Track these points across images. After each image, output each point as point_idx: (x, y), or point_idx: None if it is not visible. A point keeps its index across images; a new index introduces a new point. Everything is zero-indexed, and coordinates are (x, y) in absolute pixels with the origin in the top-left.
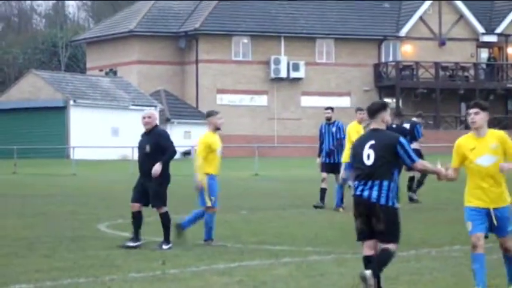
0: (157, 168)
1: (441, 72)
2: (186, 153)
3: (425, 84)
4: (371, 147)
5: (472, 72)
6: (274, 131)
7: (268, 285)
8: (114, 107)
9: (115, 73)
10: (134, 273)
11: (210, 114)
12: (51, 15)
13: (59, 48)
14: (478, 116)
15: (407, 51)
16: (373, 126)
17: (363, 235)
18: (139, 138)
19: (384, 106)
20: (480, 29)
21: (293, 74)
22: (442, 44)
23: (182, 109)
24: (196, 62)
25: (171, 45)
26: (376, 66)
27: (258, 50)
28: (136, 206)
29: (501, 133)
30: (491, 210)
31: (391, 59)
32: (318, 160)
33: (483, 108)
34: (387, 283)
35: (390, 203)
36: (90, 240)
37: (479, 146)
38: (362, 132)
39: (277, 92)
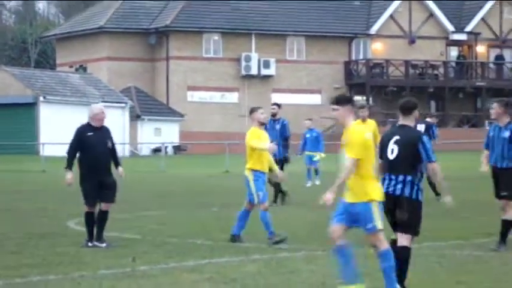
0: (122, 168)
1: (411, 70)
2: (157, 150)
3: (395, 82)
4: (396, 142)
5: (441, 70)
6: (244, 128)
7: (238, 282)
8: (84, 104)
9: (85, 69)
10: (104, 269)
11: (252, 110)
12: (21, 11)
13: (28, 44)
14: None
15: (378, 49)
16: (402, 122)
17: (393, 228)
18: (87, 133)
19: (417, 105)
20: (450, 27)
21: (264, 71)
22: (412, 42)
23: (152, 106)
24: (167, 58)
25: (141, 41)
26: (347, 64)
27: (228, 47)
28: (95, 207)
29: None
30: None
31: (361, 56)
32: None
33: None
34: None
35: (414, 196)
36: (60, 237)
37: None
38: (367, 129)
39: (248, 89)
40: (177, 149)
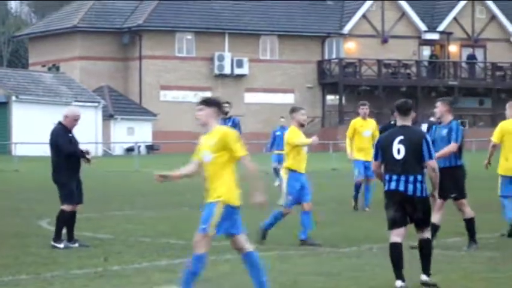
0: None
1: (384, 70)
2: (130, 150)
3: (368, 82)
4: (400, 142)
5: (414, 69)
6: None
7: (211, 281)
8: (57, 103)
9: (58, 69)
10: (76, 269)
11: (293, 110)
12: None
13: (0, 43)
14: None
15: (351, 48)
16: (401, 122)
17: (396, 224)
18: (68, 135)
19: (412, 106)
20: (422, 26)
21: (237, 71)
22: (385, 41)
23: (125, 105)
24: (140, 58)
25: (114, 41)
26: (320, 63)
27: (201, 47)
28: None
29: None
30: None
31: (334, 56)
32: None
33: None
34: (329, 279)
35: (424, 194)
36: (32, 236)
37: None
38: (366, 127)
39: (221, 89)
40: (150, 148)
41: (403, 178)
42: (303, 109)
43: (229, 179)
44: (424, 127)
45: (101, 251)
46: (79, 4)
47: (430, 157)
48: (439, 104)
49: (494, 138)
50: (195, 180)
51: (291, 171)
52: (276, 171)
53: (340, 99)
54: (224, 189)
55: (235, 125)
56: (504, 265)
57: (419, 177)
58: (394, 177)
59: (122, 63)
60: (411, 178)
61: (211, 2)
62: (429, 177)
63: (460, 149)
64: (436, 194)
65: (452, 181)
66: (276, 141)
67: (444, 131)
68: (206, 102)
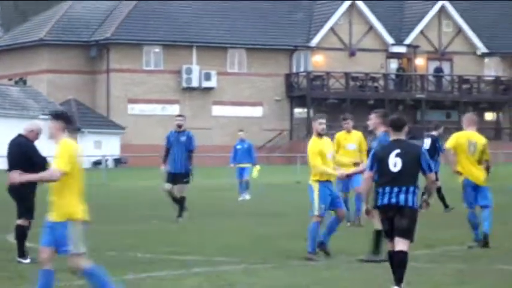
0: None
1: (351, 83)
2: (97, 163)
3: (336, 95)
4: (398, 155)
5: (381, 82)
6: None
7: None
8: (24, 117)
9: (25, 82)
10: None
11: (312, 118)
12: None
13: None
14: None
15: (318, 61)
16: (396, 137)
17: (391, 236)
18: (39, 147)
19: (406, 121)
20: (390, 40)
21: (205, 84)
22: (352, 54)
23: (93, 118)
24: (107, 71)
25: (81, 54)
26: (288, 76)
27: (169, 60)
28: None
29: None
30: None
31: (302, 69)
32: (163, 168)
33: None
34: None
35: (415, 205)
36: None
37: None
38: (350, 140)
39: (188, 102)
40: (118, 161)
41: (395, 189)
42: (321, 117)
43: (74, 194)
44: (427, 142)
45: (67, 264)
46: (46, 17)
47: (430, 170)
48: (372, 116)
49: (449, 145)
50: (162, 193)
51: (321, 182)
52: (241, 185)
53: (308, 112)
54: (72, 206)
55: (189, 139)
56: (472, 277)
57: (411, 189)
58: (387, 189)
59: (89, 76)
60: (404, 188)
61: (179, 15)
62: (427, 187)
63: None
64: (431, 201)
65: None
66: (238, 155)
67: (374, 144)
68: (53, 115)
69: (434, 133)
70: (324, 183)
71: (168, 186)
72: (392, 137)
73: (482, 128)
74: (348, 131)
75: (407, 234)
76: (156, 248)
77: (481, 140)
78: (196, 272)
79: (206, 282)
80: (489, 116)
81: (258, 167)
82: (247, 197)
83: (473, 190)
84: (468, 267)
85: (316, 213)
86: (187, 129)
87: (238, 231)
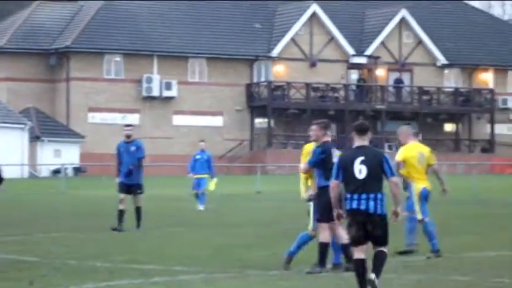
0: None
1: (312, 93)
2: (56, 172)
3: (297, 105)
4: (362, 162)
5: (342, 93)
6: (145, 149)
7: None
8: None
9: None
10: None
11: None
12: None
13: None
14: None
15: (279, 71)
16: (360, 143)
17: (358, 242)
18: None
19: (369, 127)
20: (350, 50)
21: (165, 93)
22: (313, 65)
23: (52, 127)
24: (68, 79)
25: (41, 62)
26: (248, 86)
27: (130, 69)
28: None
29: None
30: None
31: (263, 79)
32: (116, 180)
33: None
34: None
35: (384, 212)
36: None
37: None
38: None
39: (149, 111)
40: (77, 170)
41: (364, 196)
42: (315, 124)
43: None
44: None
45: (26, 274)
46: (6, 25)
47: (392, 174)
48: (314, 127)
49: (401, 158)
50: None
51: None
52: (198, 196)
53: (269, 122)
54: None
55: (138, 148)
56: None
57: (379, 196)
58: (355, 196)
59: (50, 84)
60: (372, 196)
61: (140, 24)
62: (392, 193)
63: (324, 170)
64: (399, 210)
65: (317, 203)
66: (197, 166)
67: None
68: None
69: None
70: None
71: (122, 196)
72: (356, 143)
73: (442, 139)
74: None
75: (385, 241)
76: (116, 257)
77: (425, 149)
78: (155, 281)
79: None
80: (448, 127)
81: (215, 180)
82: (202, 208)
83: (425, 200)
84: (426, 278)
85: (310, 228)
86: (148, 138)
87: (198, 241)
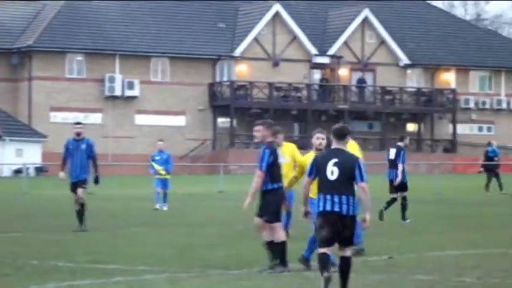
0: None
1: (275, 93)
2: (18, 171)
3: (259, 104)
4: (335, 164)
5: (305, 93)
6: (108, 149)
7: None
8: None
9: None
10: None
11: (312, 133)
12: None
13: None
14: None
15: (242, 71)
16: (337, 146)
17: (328, 243)
18: None
19: (349, 132)
20: (313, 50)
21: (128, 93)
22: (276, 64)
23: (14, 126)
24: (30, 79)
25: (3, 61)
26: (211, 86)
27: (92, 68)
28: None
29: None
30: None
31: (225, 78)
32: (61, 174)
33: None
34: None
35: (355, 213)
36: None
37: None
38: (283, 153)
39: (111, 110)
40: (39, 170)
41: (336, 199)
42: (319, 132)
43: None
44: (392, 152)
45: None
46: None
47: (362, 179)
48: (260, 127)
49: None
50: (91, 203)
51: (311, 199)
52: (158, 195)
53: (231, 122)
54: None
55: (89, 146)
56: (391, 287)
57: (351, 198)
58: (328, 197)
59: (11, 84)
60: (344, 198)
61: (102, 24)
62: (361, 199)
63: (271, 173)
64: (368, 217)
65: (264, 205)
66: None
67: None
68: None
69: (400, 144)
70: (313, 200)
71: (75, 196)
72: (334, 145)
73: None
74: (279, 145)
75: (351, 241)
76: (79, 257)
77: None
78: (118, 281)
79: None
80: (411, 127)
81: (164, 172)
82: (165, 208)
83: None
84: (388, 278)
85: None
86: (110, 137)
87: (161, 240)
